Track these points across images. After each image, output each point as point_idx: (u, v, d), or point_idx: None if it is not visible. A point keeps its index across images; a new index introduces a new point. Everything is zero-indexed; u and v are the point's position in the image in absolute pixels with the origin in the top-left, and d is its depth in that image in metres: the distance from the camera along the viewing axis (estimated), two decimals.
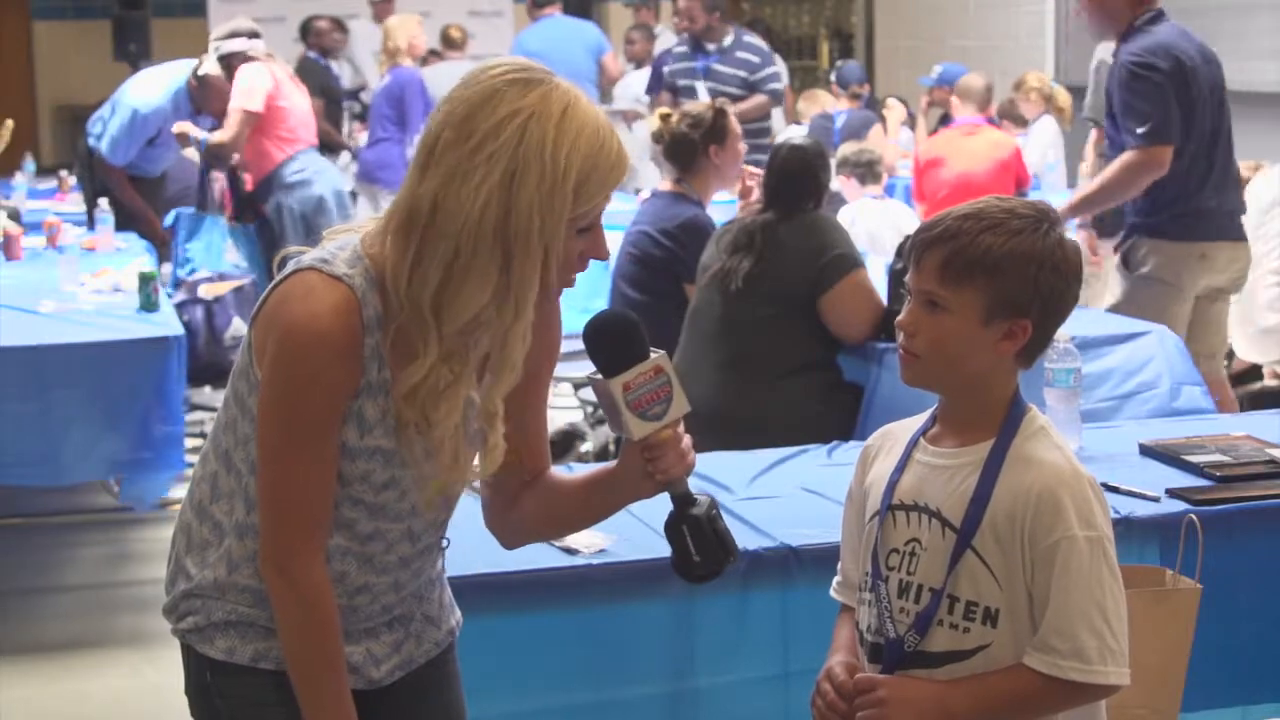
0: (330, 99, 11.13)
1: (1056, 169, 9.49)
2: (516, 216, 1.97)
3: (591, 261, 2.10)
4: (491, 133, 1.97)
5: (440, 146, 1.99)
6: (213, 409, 6.68)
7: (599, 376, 2.10)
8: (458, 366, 2.06)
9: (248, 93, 7.44)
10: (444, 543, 2.27)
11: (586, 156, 1.99)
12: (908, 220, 7.29)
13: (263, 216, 7.68)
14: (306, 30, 11.41)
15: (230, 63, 7.51)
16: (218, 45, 7.57)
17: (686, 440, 2.14)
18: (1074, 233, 5.44)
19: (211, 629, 2.14)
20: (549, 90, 2.00)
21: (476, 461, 2.15)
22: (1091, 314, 5.36)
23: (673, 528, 2.13)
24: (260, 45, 7.61)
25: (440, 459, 2.08)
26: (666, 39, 11.09)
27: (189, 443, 6.05)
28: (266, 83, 7.48)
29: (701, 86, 8.33)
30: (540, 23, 10.72)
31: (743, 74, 8.42)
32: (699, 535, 2.12)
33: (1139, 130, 5.14)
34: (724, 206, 6.36)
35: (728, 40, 8.52)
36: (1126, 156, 5.19)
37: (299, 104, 7.73)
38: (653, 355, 2.10)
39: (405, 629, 2.23)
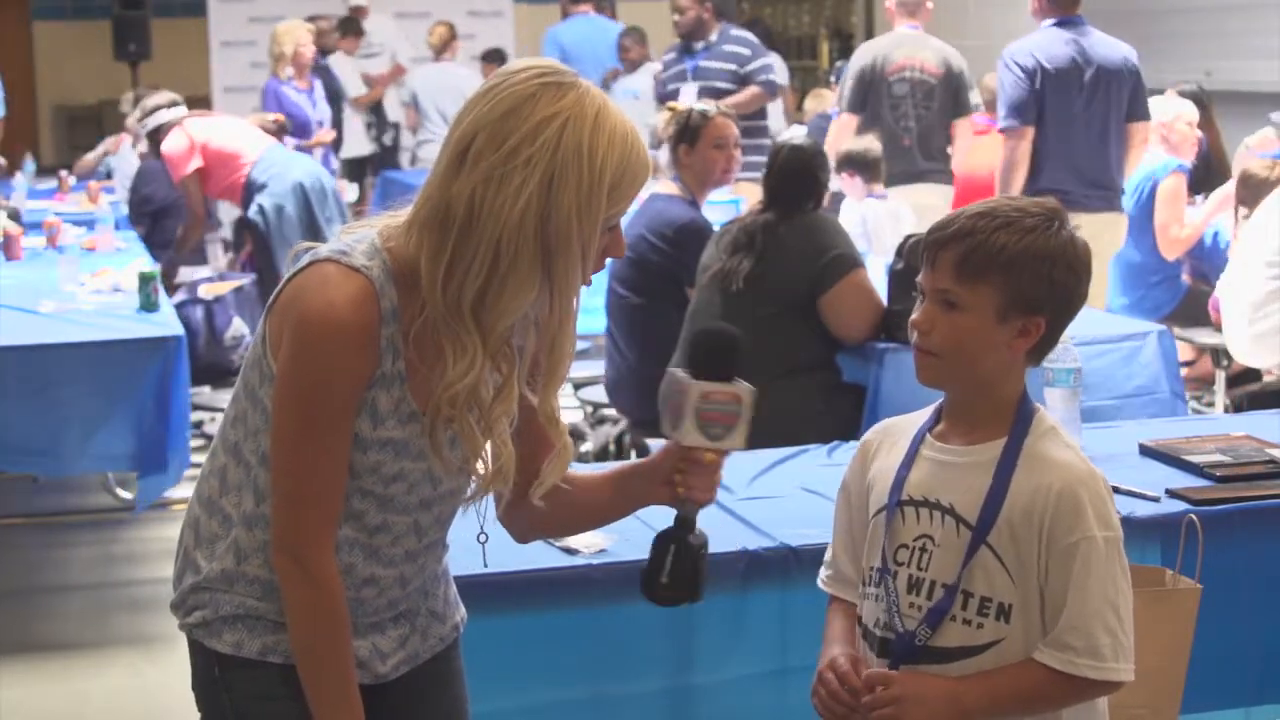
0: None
1: None
2: (557, 220, 2.00)
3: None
4: (529, 137, 1.99)
5: (475, 149, 2.00)
6: (213, 409, 6.67)
7: (684, 373, 2.12)
8: (506, 367, 2.09)
9: (176, 162, 7.63)
10: (481, 538, 2.28)
11: (620, 159, 2.02)
12: (909, 220, 7.27)
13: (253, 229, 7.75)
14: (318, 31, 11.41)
15: (157, 138, 7.71)
16: (144, 125, 7.78)
17: (720, 476, 2.17)
18: None
19: (219, 623, 2.15)
20: (582, 94, 2.02)
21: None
22: (1091, 314, 5.35)
23: (661, 542, 2.15)
24: (181, 110, 7.78)
25: (477, 456, 2.09)
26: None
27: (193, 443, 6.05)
28: (184, 142, 7.61)
29: (689, 88, 8.24)
30: (573, 19, 10.84)
31: (732, 67, 8.31)
32: (680, 561, 2.14)
33: (1001, 114, 6.46)
34: (721, 206, 6.36)
35: (714, 36, 8.43)
36: (1005, 141, 6.45)
37: (230, 131, 7.82)
38: (741, 385, 2.13)
39: (411, 624, 2.24)
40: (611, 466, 2.32)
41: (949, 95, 7.32)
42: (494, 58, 11.57)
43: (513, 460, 2.13)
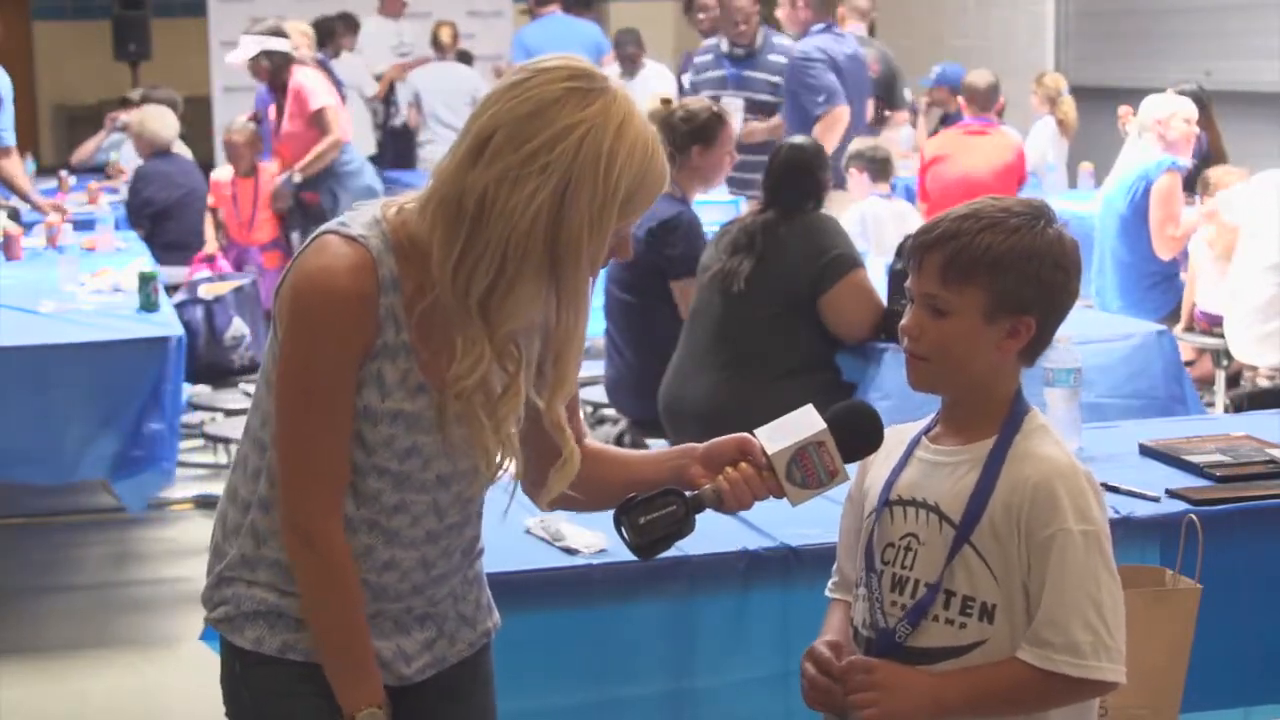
0: None
1: (1057, 169, 9.47)
2: (567, 230, 2.01)
3: None
4: (548, 143, 1.99)
5: (494, 144, 2.01)
6: (213, 409, 6.68)
7: (822, 417, 2.19)
8: (512, 367, 2.09)
9: (317, 92, 7.87)
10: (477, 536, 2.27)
11: (636, 173, 2.03)
12: (913, 219, 7.27)
13: (313, 208, 7.96)
14: (326, 31, 11.38)
15: (281, 70, 7.91)
16: (262, 41, 7.89)
17: (759, 501, 2.23)
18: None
19: (241, 619, 2.16)
20: (608, 102, 2.02)
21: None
22: (1091, 314, 5.37)
23: (672, 496, 2.19)
24: (305, 54, 8.07)
25: (487, 448, 2.10)
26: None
27: (185, 443, 6.05)
28: (321, 78, 7.95)
29: (735, 101, 7.41)
30: (541, 20, 10.76)
31: (775, 79, 7.50)
32: (666, 523, 2.17)
33: (820, 100, 7.08)
34: (722, 206, 6.36)
35: (759, 41, 7.57)
36: (821, 122, 7.00)
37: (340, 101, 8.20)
38: (845, 473, 2.22)
39: (439, 628, 2.23)
40: (663, 450, 2.35)
41: (884, 89, 8.30)
42: (464, 60, 11.54)
43: (519, 458, 2.14)
